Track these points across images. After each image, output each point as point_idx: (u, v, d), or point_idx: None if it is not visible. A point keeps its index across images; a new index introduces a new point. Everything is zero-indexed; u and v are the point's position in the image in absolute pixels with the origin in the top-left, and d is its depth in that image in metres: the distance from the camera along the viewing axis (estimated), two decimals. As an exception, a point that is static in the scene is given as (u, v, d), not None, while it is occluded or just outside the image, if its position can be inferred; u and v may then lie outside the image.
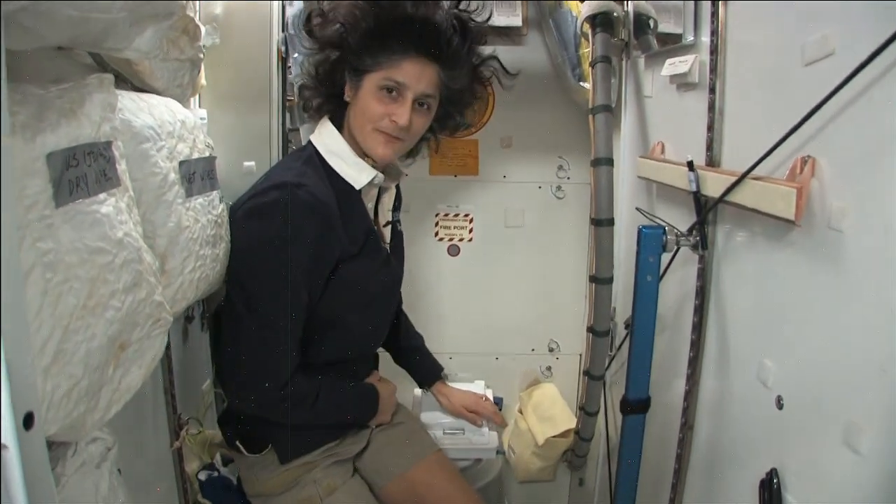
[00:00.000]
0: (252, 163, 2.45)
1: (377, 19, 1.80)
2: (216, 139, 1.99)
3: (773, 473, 1.42)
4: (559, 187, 3.26)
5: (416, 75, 1.84)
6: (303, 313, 1.85)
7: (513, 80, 2.14)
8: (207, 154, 1.83)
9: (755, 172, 1.46)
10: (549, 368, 3.45)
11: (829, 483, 1.27)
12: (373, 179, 1.93)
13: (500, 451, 2.76)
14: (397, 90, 1.84)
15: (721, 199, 1.57)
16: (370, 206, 2.02)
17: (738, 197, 1.52)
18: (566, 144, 3.20)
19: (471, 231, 3.32)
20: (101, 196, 1.22)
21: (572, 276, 3.29)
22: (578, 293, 3.27)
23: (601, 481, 2.87)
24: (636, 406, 1.87)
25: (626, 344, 1.96)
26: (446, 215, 3.31)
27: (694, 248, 1.75)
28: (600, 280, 2.24)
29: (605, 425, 2.71)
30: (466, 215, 3.31)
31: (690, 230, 1.75)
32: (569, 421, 3.03)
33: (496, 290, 3.38)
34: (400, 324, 2.47)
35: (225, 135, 2.41)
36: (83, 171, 1.17)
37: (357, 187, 1.92)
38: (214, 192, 1.83)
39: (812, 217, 1.32)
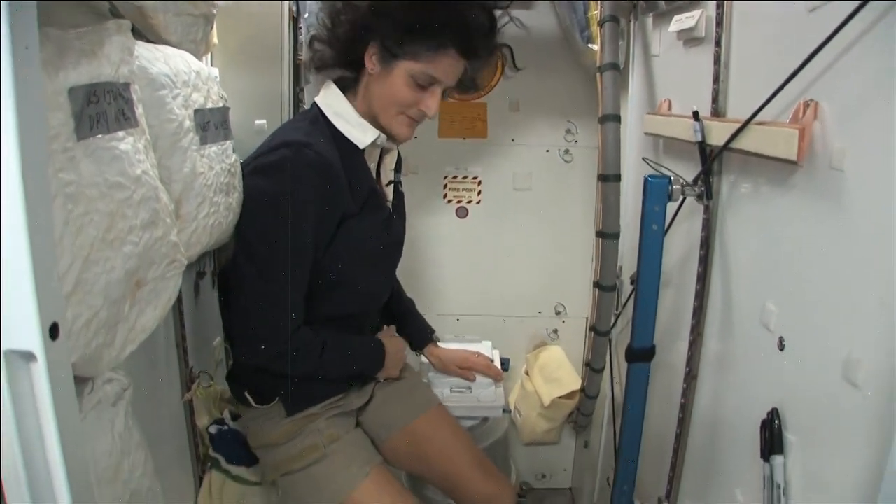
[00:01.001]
0: (263, 121, 2.47)
1: (430, 15, 1.80)
2: (228, 98, 2.01)
3: (773, 413, 1.45)
4: (567, 151, 3.28)
5: (450, 72, 1.88)
6: (308, 268, 1.88)
7: (516, 71, 2.18)
8: (221, 105, 1.86)
9: (759, 118, 1.48)
10: (555, 331, 3.48)
11: (829, 418, 1.30)
12: (376, 140, 1.95)
13: (506, 410, 2.78)
14: (430, 82, 1.87)
15: (726, 147, 1.59)
16: (372, 166, 2.05)
17: (742, 143, 1.54)
18: (574, 108, 3.21)
19: (479, 193, 3.34)
20: (120, 134, 1.25)
21: (579, 240, 3.31)
22: (585, 257, 3.29)
23: (606, 443, 2.90)
24: (641, 354, 1.89)
25: (633, 301, 1.97)
26: (455, 178, 3.32)
27: (699, 197, 1.77)
28: (607, 235, 2.28)
29: (611, 386, 2.73)
30: (475, 178, 3.32)
31: (696, 180, 1.77)
32: (574, 382, 3.06)
33: (504, 253, 3.40)
34: (392, 288, 2.46)
35: (236, 94, 2.40)
36: (103, 108, 1.20)
37: (361, 147, 1.94)
38: (228, 142, 1.85)
39: (814, 158, 1.34)
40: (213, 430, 2.20)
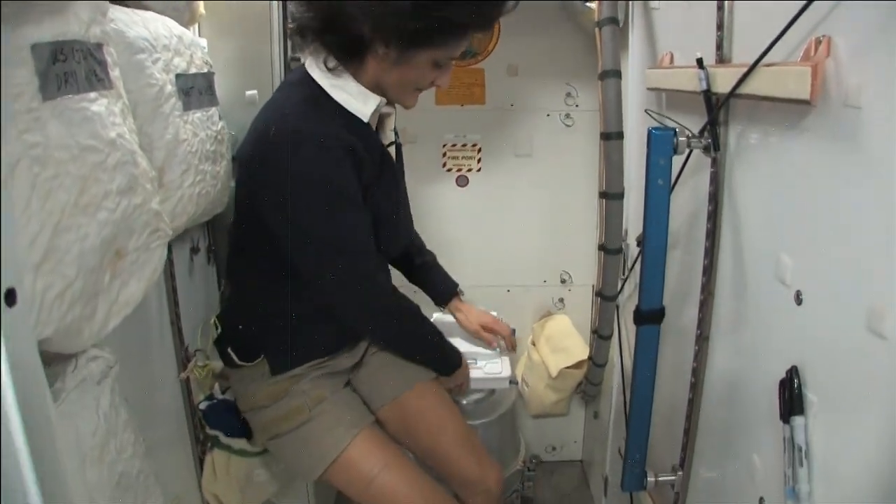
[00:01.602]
0: (254, 91, 2.43)
1: (458, 8, 1.71)
2: (217, 70, 1.96)
3: (792, 372, 1.39)
4: (568, 115, 3.22)
5: (465, 45, 1.86)
6: (369, 221, 1.92)
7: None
8: (206, 70, 1.81)
9: (768, 59, 1.41)
10: (561, 300, 3.45)
11: (853, 373, 1.23)
12: (377, 106, 1.89)
13: (513, 381, 2.74)
14: (449, 61, 1.86)
15: (733, 92, 1.52)
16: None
17: (750, 87, 1.46)
18: (574, 71, 3.15)
19: (479, 161, 3.30)
20: (92, 95, 1.21)
21: (583, 206, 3.25)
22: (590, 224, 3.23)
23: (616, 413, 2.85)
24: (650, 316, 1.83)
25: (639, 265, 1.92)
26: (454, 145, 3.28)
27: (706, 150, 1.70)
28: (611, 195, 2.22)
29: (620, 353, 2.68)
30: (474, 145, 3.27)
31: (702, 131, 1.70)
32: (582, 352, 3.04)
33: (506, 221, 3.37)
34: (412, 242, 2.47)
35: (226, 65, 2.39)
36: (72, 68, 1.16)
37: (365, 120, 1.87)
38: (214, 109, 1.81)
39: (828, 98, 1.26)
40: (203, 406, 2.19)
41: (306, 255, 1.85)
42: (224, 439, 2.18)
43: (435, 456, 2.19)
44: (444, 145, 3.28)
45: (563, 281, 3.42)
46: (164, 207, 1.50)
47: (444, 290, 2.51)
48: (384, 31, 1.71)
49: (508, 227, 3.37)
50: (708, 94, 1.66)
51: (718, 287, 1.83)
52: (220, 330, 2.09)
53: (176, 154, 1.57)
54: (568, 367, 3.03)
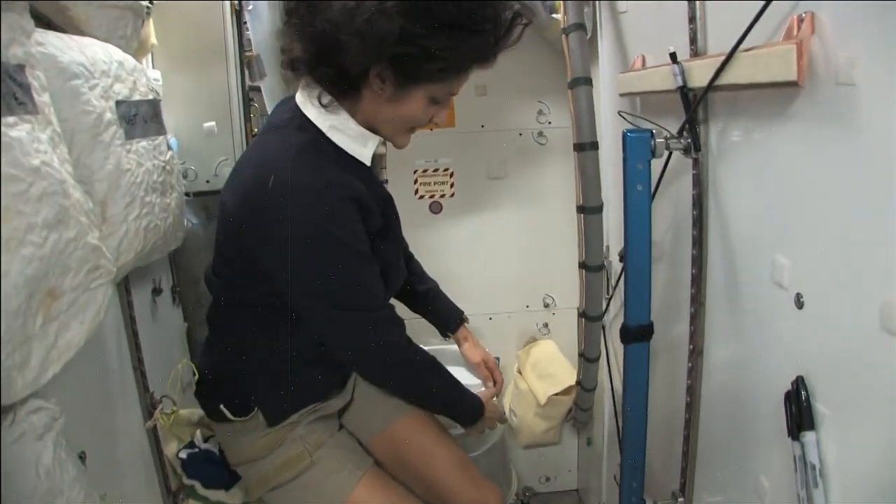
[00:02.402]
0: (213, 123, 2.36)
1: (465, 41, 1.59)
2: (173, 102, 1.88)
3: (798, 382, 1.30)
4: (541, 133, 3.17)
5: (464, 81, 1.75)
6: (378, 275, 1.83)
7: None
8: (151, 97, 1.71)
9: (747, 44, 1.33)
10: (545, 325, 3.36)
11: (867, 378, 1.15)
12: (376, 147, 1.81)
13: (500, 412, 2.66)
14: (448, 97, 1.74)
15: (712, 84, 1.44)
16: None
17: (730, 76, 1.39)
18: (544, 88, 3.10)
19: (452, 186, 3.24)
20: (11, 119, 1.11)
21: (563, 226, 3.13)
22: (571, 244, 3.09)
23: (610, 438, 2.77)
24: (637, 333, 1.74)
25: (623, 279, 1.84)
26: (425, 171, 3.22)
27: (686, 151, 1.63)
28: (589, 210, 2.15)
29: (609, 376, 2.59)
30: (446, 170, 3.22)
31: (680, 131, 1.62)
32: (570, 377, 2.96)
33: (484, 247, 3.29)
34: (412, 270, 2.37)
35: (182, 97, 2.32)
36: None
37: (367, 163, 1.79)
38: (161, 138, 1.73)
39: (816, 78, 1.19)
40: (183, 454, 2.09)
41: (318, 316, 1.78)
42: (201, 490, 2.09)
43: (432, 486, 2.11)
44: (415, 171, 3.22)
45: (546, 305, 3.34)
46: (109, 243, 1.41)
47: (451, 319, 2.43)
48: (381, 64, 1.60)
49: (487, 252, 3.29)
50: (684, 90, 1.59)
51: (710, 297, 1.76)
52: (196, 376, 2.00)
53: (119, 186, 1.47)
54: (556, 394, 2.95)
